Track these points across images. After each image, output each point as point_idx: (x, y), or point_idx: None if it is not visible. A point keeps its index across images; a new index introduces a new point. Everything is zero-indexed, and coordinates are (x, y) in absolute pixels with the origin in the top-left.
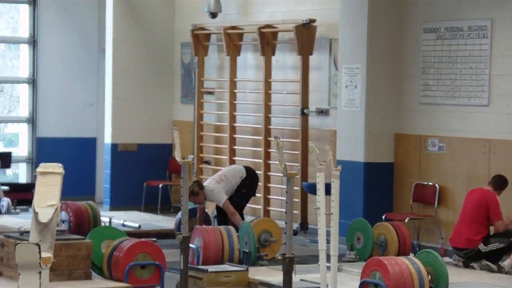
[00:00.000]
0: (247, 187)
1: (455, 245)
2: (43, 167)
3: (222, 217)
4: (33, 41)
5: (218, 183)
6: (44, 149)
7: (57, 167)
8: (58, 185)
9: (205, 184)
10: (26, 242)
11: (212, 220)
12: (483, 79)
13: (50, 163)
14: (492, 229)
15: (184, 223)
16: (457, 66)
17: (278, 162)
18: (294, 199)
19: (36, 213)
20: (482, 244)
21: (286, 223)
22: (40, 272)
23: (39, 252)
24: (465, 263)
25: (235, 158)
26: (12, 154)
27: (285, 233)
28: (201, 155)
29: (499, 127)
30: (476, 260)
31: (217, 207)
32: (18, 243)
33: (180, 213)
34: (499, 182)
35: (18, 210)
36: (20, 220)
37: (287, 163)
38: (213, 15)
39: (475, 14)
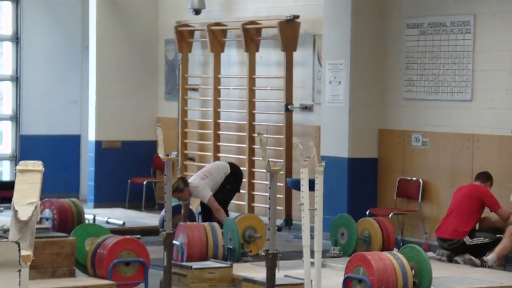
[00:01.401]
0: (231, 183)
1: (440, 236)
2: (22, 164)
3: (207, 213)
4: (16, 39)
5: (202, 180)
6: (28, 147)
7: (37, 165)
8: (38, 183)
9: (189, 180)
10: (6, 240)
11: (197, 217)
12: (466, 74)
13: (30, 160)
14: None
15: (168, 220)
16: (440, 61)
17: (262, 159)
18: (279, 195)
19: (15, 211)
20: (468, 237)
21: (269, 219)
22: (19, 270)
23: (19, 250)
24: (448, 258)
25: (220, 154)
26: None
27: (269, 229)
28: (185, 151)
29: (483, 122)
30: (460, 253)
31: (202, 204)
32: None
33: (164, 210)
34: (485, 176)
35: (1, 208)
36: (3, 218)
37: (271, 159)
38: (197, 11)
39: (458, 10)
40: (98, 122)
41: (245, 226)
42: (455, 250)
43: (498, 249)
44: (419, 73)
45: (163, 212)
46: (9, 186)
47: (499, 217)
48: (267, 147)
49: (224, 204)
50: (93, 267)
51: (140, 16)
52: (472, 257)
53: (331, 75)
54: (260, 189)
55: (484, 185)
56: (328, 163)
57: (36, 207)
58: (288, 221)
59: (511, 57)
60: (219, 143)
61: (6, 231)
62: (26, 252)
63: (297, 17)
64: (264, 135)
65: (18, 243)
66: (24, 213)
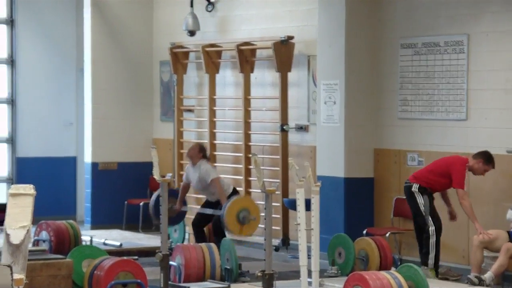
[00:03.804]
0: None
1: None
2: (14, 188)
3: (199, 233)
4: (11, 61)
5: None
6: (24, 169)
7: (28, 188)
8: (29, 207)
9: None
10: None
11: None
12: (460, 93)
13: (22, 184)
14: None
15: (164, 241)
16: (435, 81)
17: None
18: (275, 215)
19: (7, 235)
20: (417, 187)
21: (265, 239)
22: None
23: (11, 274)
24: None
25: None
26: None
27: (265, 250)
28: (181, 172)
29: (478, 141)
30: (407, 197)
31: (194, 223)
32: None
33: (155, 193)
34: (479, 154)
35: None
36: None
37: (267, 180)
38: (192, 33)
39: (452, 30)
40: (94, 144)
41: (240, 208)
42: (405, 194)
43: (495, 266)
44: (414, 93)
45: (154, 196)
46: (5, 208)
47: (458, 196)
48: (263, 168)
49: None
50: None
51: (134, 38)
52: (470, 276)
53: (326, 95)
54: None
55: (475, 161)
56: (324, 183)
57: (28, 230)
58: (285, 241)
59: (505, 76)
60: (215, 164)
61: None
62: (19, 275)
63: (291, 38)
64: (259, 156)
65: (10, 267)
66: (16, 236)
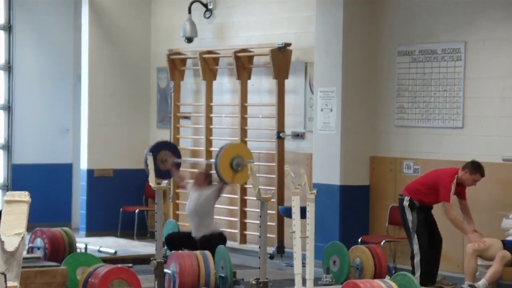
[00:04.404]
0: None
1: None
2: (9, 195)
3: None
4: (8, 67)
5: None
6: (20, 176)
7: (24, 195)
8: (24, 214)
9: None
10: None
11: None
12: (457, 101)
13: (17, 191)
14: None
15: (158, 249)
16: (432, 88)
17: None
18: (271, 223)
19: (2, 242)
20: (408, 201)
21: (260, 247)
22: None
23: (5, 282)
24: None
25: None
26: None
27: (260, 257)
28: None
29: (474, 149)
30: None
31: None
32: None
33: (146, 149)
34: (467, 164)
35: None
36: None
37: (263, 187)
38: (189, 39)
39: (449, 37)
40: (90, 151)
41: (232, 155)
42: (398, 207)
43: (489, 274)
44: (411, 100)
45: (146, 151)
46: (0, 215)
47: (443, 209)
48: (258, 175)
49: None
50: None
51: (132, 44)
52: (464, 285)
53: (322, 103)
54: (252, 217)
55: (463, 172)
56: (320, 191)
57: (23, 238)
58: (280, 248)
59: (502, 84)
60: (212, 171)
61: None
62: (13, 283)
63: (288, 45)
64: (255, 163)
65: (4, 274)
66: (11, 244)
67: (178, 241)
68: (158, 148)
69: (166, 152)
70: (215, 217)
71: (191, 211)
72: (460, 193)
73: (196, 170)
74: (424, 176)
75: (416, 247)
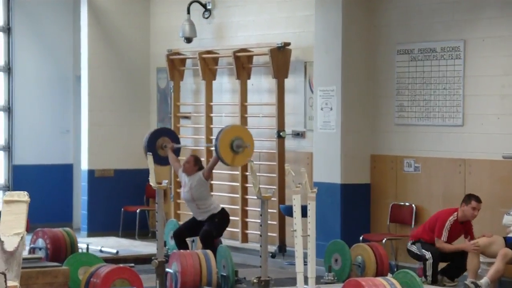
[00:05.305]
0: (220, 218)
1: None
2: (8, 195)
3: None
4: (8, 69)
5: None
6: (21, 177)
7: (23, 195)
8: (23, 214)
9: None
10: None
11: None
12: (457, 99)
13: (16, 191)
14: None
15: (160, 248)
16: (431, 87)
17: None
18: (272, 222)
19: (1, 242)
20: (411, 242)
21: (261, 246)
22: None
23: (5, 281)
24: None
25: (212, 182)
26: None
27: (261, 256)
28: (178, 179)
29: (474, 147)
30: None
31: (202, 237)
32: None
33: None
34: (466, 196)
35: None
36: None
37: (264, 186)
38: (188, 40)
39: (448, 36)
40: (90, 151)
41: (233, 137)
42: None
43: (491, 272)
44: (410, 98)
45: (146, 137)
46: None
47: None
48: (259, 174)
49: (209, 237)
50: None
51: (131, 45)
52: (467, 282)
53: (322, 102)
54: (253, 216)
55: (461, 209)
56: (321, 189)
57: (22, 237)
58: (282, 247)
59: (501, 82)
60: (212, 171)
61: None
62: (13, 283)
63: (288, 44)
64: (255, 162)
65: (4, 274)
66: (11, 243)
67: (186, 231)
68: (157, 134)
69: (165, 138)
70: (213, 193)
71: (187, 199)
72: (467, 232)
73: None
74: (427, 221)
75: (428, 255)
